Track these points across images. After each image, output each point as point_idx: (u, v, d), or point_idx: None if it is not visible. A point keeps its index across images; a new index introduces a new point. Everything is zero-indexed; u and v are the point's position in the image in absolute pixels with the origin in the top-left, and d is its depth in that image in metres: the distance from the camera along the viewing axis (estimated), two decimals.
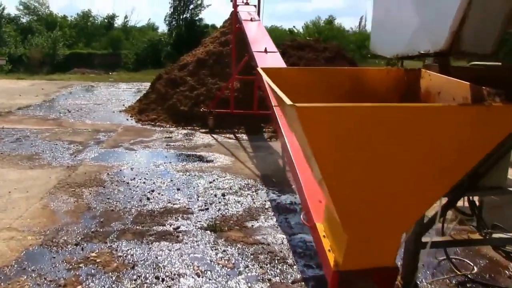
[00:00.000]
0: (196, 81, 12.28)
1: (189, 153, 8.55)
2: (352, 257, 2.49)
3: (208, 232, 4.84)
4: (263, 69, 3.04)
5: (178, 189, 6.37)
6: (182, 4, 28.06)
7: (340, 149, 1.93)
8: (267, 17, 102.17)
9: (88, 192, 6.10)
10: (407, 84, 2.97)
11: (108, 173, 7.01)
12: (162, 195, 6.10)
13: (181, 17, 28.31)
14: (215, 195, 6.14)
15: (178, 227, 4.97)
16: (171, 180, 6.76)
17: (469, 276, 3.82)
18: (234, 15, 10.66)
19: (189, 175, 7.08)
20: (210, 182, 6.72)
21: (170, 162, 7.80)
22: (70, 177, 6.74)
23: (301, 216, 3.27)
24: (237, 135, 10.41)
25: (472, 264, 4.05)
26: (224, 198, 6.04)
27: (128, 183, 6.57)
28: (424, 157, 2.01)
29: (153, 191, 6.23)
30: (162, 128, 10.91)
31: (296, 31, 31.86)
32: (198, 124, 11.11)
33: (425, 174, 2.09)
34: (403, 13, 2.33)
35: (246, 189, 6.47)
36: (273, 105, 5.11)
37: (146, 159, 8.02)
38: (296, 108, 1.80)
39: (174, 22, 28.26)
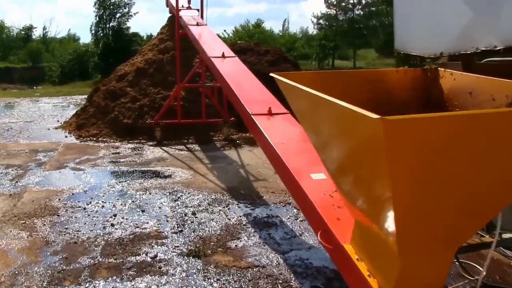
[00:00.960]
0: (138, 91, 11.64)
1: (143, 169, 7.98)
2: (404, 282, 2.25)
3: (192, 258, 4.42)
4: (280, 74, 2.77)
5: (143, 211, 5.85)
6: (108, 13, 26.78)
7: (424, 163, 1.68)
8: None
9: (42, 223, 5.41)
10: (426, 84, 2.80)
11: (59, 199, 6.31)
12: (126, 219, 5.55)
13: (108, 26, 27.02)
14: (185, 214, 5.71)
15: (156, 256, 4.50)
16: (132, 201, 6.21)
17: (482, 281, 3.73)
18: (177, 20, 10.19)
19: (150, 193, 6.56)
20: (175, 200, 6.26)
21: (126, 181, 7.21)
22: (16, 207, 5.98)
23: (318, 236, 2.98)
24: (188, 146, 9.94)
25: (480, 268, 3.98)
26: (195, 217, 5.62)
27: (85, 208, 5.94)
28: (505, 165, 1.81)
29: (115, 215, 5.67)
30: (106, 144, 10.17)
31: (227, 35, 31.66)
32: (144, 137, 10.50)
33: (500, 182, 1.89)
34: (444, 8, 2.14)
35: (216, 205, 6.09)
36: (251, 113, 4.79)
37: (98, 179, 7.36)
38: (384, 121, 1.51)
39: (100, 32, 26.91)
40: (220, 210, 5.88)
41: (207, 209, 5.93)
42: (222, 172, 7.79)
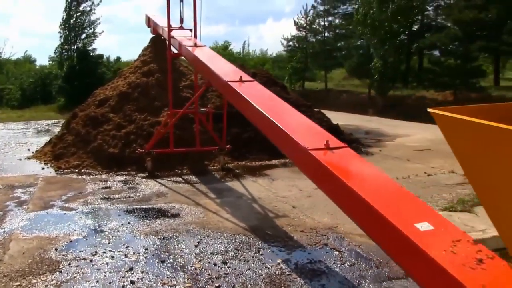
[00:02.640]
0: (122, 117, 10.70)
1: (144, 206, 7.07)
2: None
3: None
4: (442, 109, 2.16)
5: (163, 261, 4.97)
6: (73, 34, 25.43)
7: None
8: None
9: (43, 285, 4.42)
10: None
11: (56, 249, 5.33)
12: (147, 273, 4.66)
13: (73, 47, 25.64)
14: (215, 264, 4.88)
15: None
16: (146, 249, 5.31)
17: None
18: (168, 40, 9.41)
19: (163, 238, 5.68)
20: (196, 246, 5.42)
21: (129, 223, 6.28)
22: (4, 263, 4.94)
23: None
24: (184, 178, 9.08)
25: None
26: (228, 267, 4.79)
27: (91, 260, 5.00)
28: None
29: (131, 269, 4.76)
30: (92, 176, 9.14)
31: None
32: (133, 168, 9.55)
33: None
34: None
35: (246, 250, 5.29)
36: (307, 148, 4.09)
37: (96, 221, 6.39)
38: None
39: (65, 53, 25.48)
40: (253, 257, 5.08)
41: (237, 255, 5.12)
42: (234, 208, 6.99)
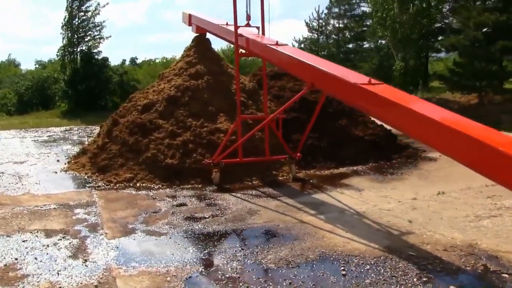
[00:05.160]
0: (174, 124, 9.62)
1: (244, 228, 6.09)
2: None
3: None
4: None
5: None
6: (76, 36, 23.95)
7: None
8: (140, 48, 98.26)
9: None
10: None
11: None
12: None
13: (76, 50, 24.17)
14: None
15: None
16: (290, 283, 4.30)
17: None
18: (236, 39, 8.39)
19: (298, 266, 4.68)
20: (344, 275, 4.46)
21: (244, 248, 5.28)
22: None
23: None
24: (261, 190, 8.09)
25: None
26: None
27: None
28: None
29: None
30: (154, 192, 8.05)
31: None
32: (197, 181, 8.49)
33: None
34: None
35: (404, 277, 4.34)
36: None
37: (201, 248, 5.37)
38: None
39: (68, 56, 23.99)
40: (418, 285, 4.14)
41: (401, 284, 4.17)
42: (347, 225, 6.03)
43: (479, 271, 4.58)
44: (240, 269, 4.72)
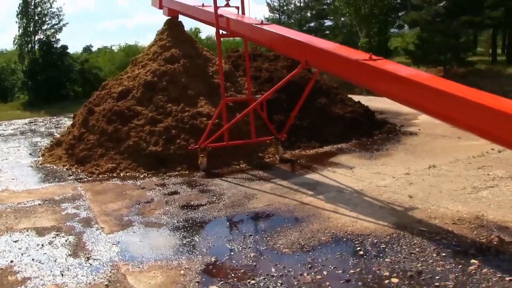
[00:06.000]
0: (154, 110, 9.29)
1: (246, 213, 5.95)
2: None
3: None
4: None
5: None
6: (32, 25, 22.57)
7: None
8: (93, 36, 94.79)
9: None
10: None
11: (198, 282, 4.11)
12: None
13: (34, 39, 22.84)
14: (411, 277, 3.88)
15: None
16: (307, 275, 4.21)
17: None
18: (216, 19, 8.09)
19: (312, 250, 4.60)
20: (372, 258, 4.39)
21: (251, 235, 5.13)
22: None
23: None
24: (250, 173, 7.94)
25: None
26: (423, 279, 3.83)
27: None
28: None
29: None
30: (141, 181, 7.75)
31: None
32: (183, 167, 8.24)
33: None
34: None
35: (423, 255, 4.32)
36: None
37: (207, 237, 5.19)
38: None
39: (25, 45, 22.65)
40: (437, 260, 4.14)
41: (431, 262, 4.15)
42: (349, 204, 6.00)
43: (495, 242, 4.60)
44: (255, 256, 4.59)
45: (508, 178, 6.67)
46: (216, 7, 8.13)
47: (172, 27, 11.03)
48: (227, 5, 8.39)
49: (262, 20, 7.55)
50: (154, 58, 10.47)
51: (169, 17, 11.11)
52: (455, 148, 8.84)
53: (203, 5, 9.25)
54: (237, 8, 8.44)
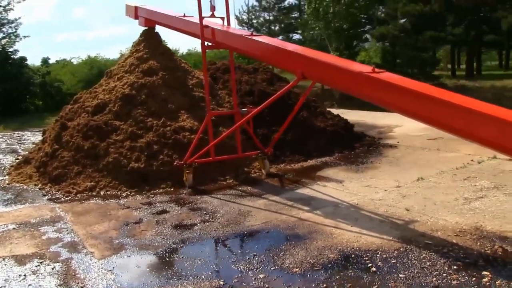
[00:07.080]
0: (134, 125, 8.89)
1: (245, 232, 5.68)
2: None
3: None
4: None
5: None
6: None
7: None
8: (50, 48, 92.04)
9: None
10: None
11: None
12: None
13: None
14: None
15: None
16: None
17: None
18: (201, 30, 7.86)
19: (328, 270, 4.40)
20: (386, 274, 4.23)
21: (255, 255, 4.86)
22: None
23: None
24: (239, 189, 7.69)
25: None
26: None
27: None
28: None
29: None
30: (125, 200, 7.35)
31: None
32: (168, 184, 7.90)
33: None
34: None
35: (436, 269, 4.22)
36: None
37: (212, 261, 4.88)
38: None
39: None
40: (450, 274, 4.04)
41: (446, 277, 4.04)
42: (349, 219, 5.85)
43: (500, 253, 4.58)
44: (264, 277, 4.34)
45: (494, 189, 6.73)
46: (201, 17, 7.90)
47: (149, 38, 10.70)
48: (212, 15, 8.17)
49: (252, 32, 7.36)
50: (130, 70, 10.08)
51: (146, 28, 10.76)
52: (438, 159, 8.91)
53: (184, 15, 9.00)
54: (222, 19, 8.24)
